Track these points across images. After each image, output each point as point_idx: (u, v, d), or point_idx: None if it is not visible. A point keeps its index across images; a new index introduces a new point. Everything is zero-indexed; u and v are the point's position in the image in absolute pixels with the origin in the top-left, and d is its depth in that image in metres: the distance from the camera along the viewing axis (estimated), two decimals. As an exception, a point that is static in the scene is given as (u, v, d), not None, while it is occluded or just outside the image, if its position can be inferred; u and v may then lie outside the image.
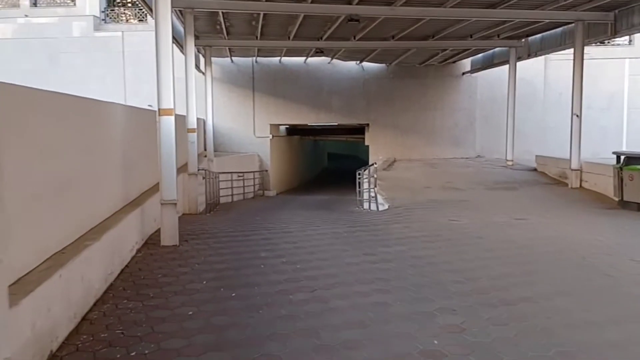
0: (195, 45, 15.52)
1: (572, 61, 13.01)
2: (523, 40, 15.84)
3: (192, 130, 11.29)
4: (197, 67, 17.99)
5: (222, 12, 12.56)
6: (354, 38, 15.60)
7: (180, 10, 11.61)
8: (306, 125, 23.03)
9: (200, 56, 17.79)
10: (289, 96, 20.76)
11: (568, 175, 12.82)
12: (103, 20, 21.05)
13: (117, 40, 20.22)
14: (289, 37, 15.69)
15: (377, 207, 10.72)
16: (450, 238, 7.33)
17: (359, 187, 13.61)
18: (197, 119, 16.08)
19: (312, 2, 11.34)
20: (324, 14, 11.98)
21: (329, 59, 20.13)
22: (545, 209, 10.13)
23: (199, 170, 11.73)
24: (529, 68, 19.67)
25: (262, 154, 20.91)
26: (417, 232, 7.80)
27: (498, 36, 15.44)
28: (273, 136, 21.30)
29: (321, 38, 15.70)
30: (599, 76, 20.39)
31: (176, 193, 6.90)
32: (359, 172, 13.70)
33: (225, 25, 14.11)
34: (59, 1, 21.39)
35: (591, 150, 16.23)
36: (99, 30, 20.46)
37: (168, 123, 6.65)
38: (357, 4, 11.44)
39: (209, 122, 16.60)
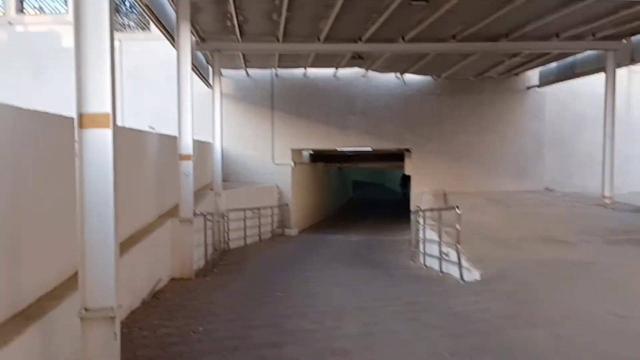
0: (200, 50, 12.25)
1: None
2: (624, 40, 12.15)
3: (187, 157, 7.76)
4: (204, 78, 14.60)
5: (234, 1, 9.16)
6: (403, 39, 12.09)
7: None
8: (334, 150, 19.49)
9: (209, 67, 14.44)
10: (315, 116, 17.28)
11: None
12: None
13: (115, 51, 16.98)
14: (318, 39, 12.23)
15: (462, 275, 7.04)
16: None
17: (417, 234, 9.98)
18: (200, 142, 12.64)
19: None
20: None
21: (363, 71, 16.68)
22: None
23: (196, 214, 8.17)
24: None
25: (282, 184, 17.38)
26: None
27: (593, 35, 11.78)
28: (295, 163, 17.78)
29: (360, 39, 12.21)
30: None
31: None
32: (416, 210, 10.08)
33: (237, 21, 10.69)
34: (47, 9, 18.41)
35: None
36: (94, 40, 17.25)
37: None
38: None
39: (217, 146, 13.11)
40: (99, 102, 3.14)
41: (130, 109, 16.96)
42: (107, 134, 3.09)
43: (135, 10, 17.33)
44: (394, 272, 9.11)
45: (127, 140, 6.39)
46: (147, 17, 8.34)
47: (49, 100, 16.98)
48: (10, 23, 17.66)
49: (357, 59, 13.14)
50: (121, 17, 17.83)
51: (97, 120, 3.07)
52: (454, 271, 7.56)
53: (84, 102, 3.14)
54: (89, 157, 3.08)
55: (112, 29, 3.28)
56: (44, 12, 18.25)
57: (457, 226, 7.36)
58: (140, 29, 17.64)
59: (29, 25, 17.67)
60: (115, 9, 17.95)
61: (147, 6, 7.67)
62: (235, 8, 9.86)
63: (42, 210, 3.85)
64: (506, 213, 11.95)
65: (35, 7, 18.31)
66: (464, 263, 7.25)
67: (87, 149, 3.08)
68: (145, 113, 16.75)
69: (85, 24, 3.19)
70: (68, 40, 17.31)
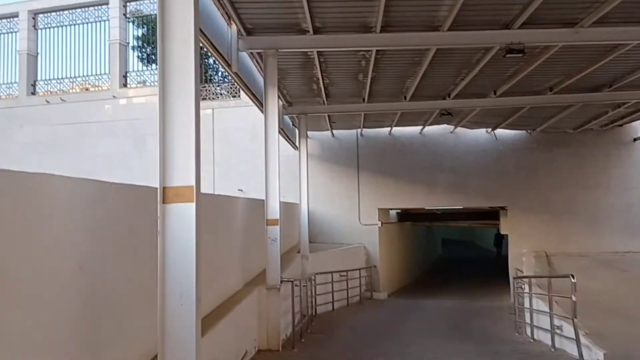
0: (287, 114, 12.39)
1: None
2: None
3: (274, 222, 7.59)
4: (290, 140, 14.76)
5: (319, 61, 9.17)
6: (494, 93, 11.56)
7: (259, 54, 8.37)
8: (422, 209, 18.82)
9: (295, 129, 14.61)
10: (401, 175, 16.85)
11: None
12: (195, 96, 18.89)
13: (207, 118, 17.77)
14: (405, 97, 12.00)
15: (581, 354, 6.14)
16: None
17: (521, 302, 9.06)
18: (287, 203, 12.59)
19: (451, 30, 7.55)
20: (471, 45, 8.08)
21: (451, 127, 16.19)
22: None
23: (282, 280, 7.89)
24: None
25: (369, 245, 16.88)
26: None
27: None
28: (382, 223, 17.29)
29: (448, 95, 11.83)
30: None
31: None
32: (519, 277, 9.20)
33: (323, 84, 10.72)
34: (149, 81, 19.74)
35: None
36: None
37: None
38: (519, 27, 7.52)
39: (304, 208, 12.98)
40: (183, 176, 2.97)
41: (220, 173, 17.49)
42: (191, 208, 2.90)
43: (227, 79, 18.14)
44: (500, 347, 8.20)
45: (213, 207, 6.32)
46: (237, 84, 8.49)
47: (149, 167, 17.99)
48: (114, 97, 19.08)
49: (445, 116, 12.72)
50: (214, 87, 18.73)
51: (181, 194, 2.90)
52: (569, 347, 6.66)
53: (168, 176, 2.97)
54: (171, 233, 2.89)
55: (198, 104, 3.16)
56: (146, 86, 19.54)
57: (573, 297, 6.52)
58: (231, 97, 18.39)
59: (132, 97, 18.95)
60: (208, 79, 18.97)
61: (236, 74, 7.81)
62: (322, 71, 9.88)
63: (123, 289, 3.71)
64: (622, 278, 10.68)
65: (138, 82, 19.68)
66: (583, 340, 6.35)
67: (170, 224, 2.89)
68: (235, 176, 17.18)
69: (170, 97, 3.08)
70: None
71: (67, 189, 2.83)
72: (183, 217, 2.87)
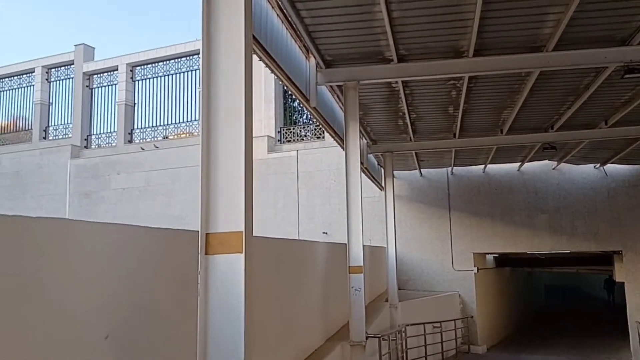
0: (372, 152, 11.76)
1: None
2: None
3: (357, 270, 6.82)
4: (376, 180, 14.04)
5: (405, 93, 8.49)
6: (606, 123, 10.23)
7: (339, 87, 7.84)
8: (524, 253, 17.18)
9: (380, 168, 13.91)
10: (498, 216, 15.50)
11: None
12: (278, 140, 18.94)
13: (291, 160, 17.58)
14: (501, 131, 10.97)
15: None
16: None
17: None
18: (372, 247, 11.77)
19: (556, 49, 6.60)
20: (580, 66, 6.98)
21: (553, 163, 14.74)
22: None
23: (368, 335, 7.04)
24: None
25: (465, 293, 15.51)
26: None
27: None
28: (478, 269, 15.89)
29: (551, 127, 10.66)
30: None
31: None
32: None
33: (409, 118, 9.99)
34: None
35: None
36: (273, 151, 18.20)
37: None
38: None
39: (391, 252, 12.09)
40: (230, 220, 2.36)
41: (305, 216, 17.07)
42: (239, 260, 2.26)
43: (312, 121, 17.95)
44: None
45: (288, 254, 5.70)
46: (317, 121, 8.00)
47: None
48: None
49: (548, 150, 11.46)
50: (298, 129, 18.59)
51: (227, 242, 2.27)
52: None
53: (212, 220, 2.37)
54: (215, 291, 2.26)
55: (250, 134, 2.58)
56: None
57: None
58: (315, 138, 18.15)
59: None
60: (294, 122, 18.88)
61: (315, 109, 7.31)
62: (407, 105, 9.18)
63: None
64: None
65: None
66: None
67: (213, 280, 2.27)
68: (320, 219, 16.70)
69: (216, 126, 2.49)
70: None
71: (89, 235, 2.30)
72: (230, 270, 2.25)
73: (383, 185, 12.62)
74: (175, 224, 18.80)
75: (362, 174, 13.61)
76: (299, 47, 6.93)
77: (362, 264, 6.82)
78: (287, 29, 6.39)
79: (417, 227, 16.04)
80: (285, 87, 6.68)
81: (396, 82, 7.96)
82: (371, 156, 13.51)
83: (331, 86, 7.97)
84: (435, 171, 15.84)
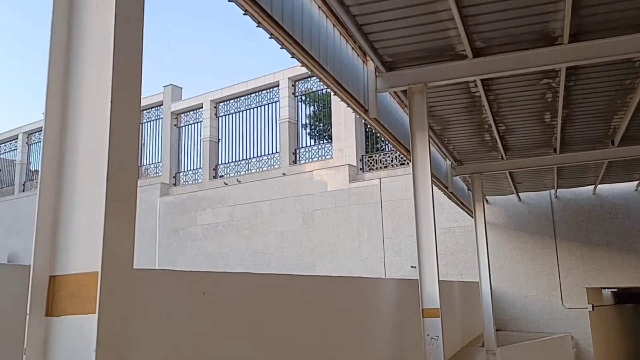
0: (458, 174, 10.40)
1: None
2: None
3: (433, 313, 5.51)
4: (465, 206, 12.52)
5: (488, 99, 7.17)
6: None
7: (404, 92, 6.69)
8: (650, 288, 14.60)
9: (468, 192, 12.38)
10: (614, 245, 13.26)
11: None
12: (360, 169, 17.98)
13: (374, 189, 16.50)
14: (612, 142, 9.18)
15: None
16: None
17: None
18: (464, 283, 10.26)
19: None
20: None
21: (681, 180, 12.42)
22: None
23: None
24: None
25: (579, 334, 13.30)
26: None
27: None
28: (593, 306, 13.62)
29: (677, 134, 8.74)
30: None
31: None
32: None
33: (498, 131, 8.57)
34: (316, 156, 19.40)
35: None
36: (355, 180, 17.24)
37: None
38: None
39: (485, 288, 10.46)
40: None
41: (390, 248, 15.82)
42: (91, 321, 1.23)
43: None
44: None
45: (345, 293, 4.58)
46: (380, 134, 6.88)
47: (315, 243, 17.16)
48: (284, 174, 18.99)
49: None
50: (383, 156, 17.54)
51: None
52: None
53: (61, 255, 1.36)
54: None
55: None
56: (314, 161, 19.18)
57: None
58: (399, 165, 17.01)
59: (300, 174, 18.63)
60: (377, 149, 17.84)
61: (376, 120, 6.23)
62: (493, 114, 7.80)
63: None
64: None
65: (307, 158, 19.46)
66: None
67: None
68: (407, 251, 15.36)
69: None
70: (333, 184, 17.58)
71: None
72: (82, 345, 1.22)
73: (472, 211, 11.09)
74: (257, 259, 18.34)
75: (450, 200, 12.26)
76: (352, 48, 5.94)
77: (438, 305, 5.50)
78: (334, 25, 5.45)
79: (518, 259, 14.16)
80: (340, 98, 5.63)
81: (475, 85, 6.69)
82: (459, 180, 12.09)
83: (396, 93, 6.85)
84: (536, 195, 13.96)
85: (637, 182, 12.63)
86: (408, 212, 15.40)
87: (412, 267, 15.38)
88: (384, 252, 16.05)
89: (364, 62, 6.18)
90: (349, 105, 6.01)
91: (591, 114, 7.93)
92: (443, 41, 5.64)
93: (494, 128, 8.36)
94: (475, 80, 6.58)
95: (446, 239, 14.88)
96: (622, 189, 13.14)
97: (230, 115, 21.60)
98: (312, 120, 22.29)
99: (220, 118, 21.88)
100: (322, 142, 20.15)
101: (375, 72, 6.14)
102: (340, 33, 5.74)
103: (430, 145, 9.79)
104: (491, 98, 7.21)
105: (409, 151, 7.68)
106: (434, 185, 10.82)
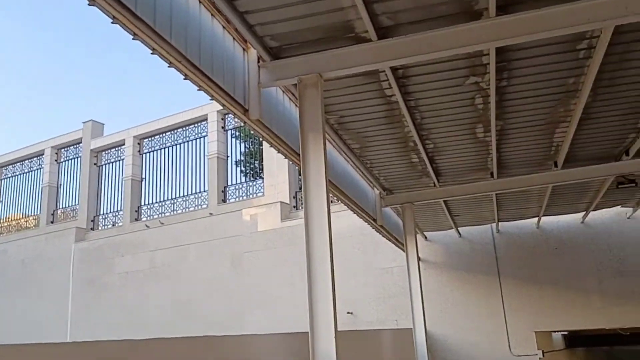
0: (386, 205, 9.06)
1: None
2: None
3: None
4: (397, 241, 11.18)
5: (407, 105, 5.90)
6: None
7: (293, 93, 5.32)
8: (602, 329, 13.51)
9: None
10: (562, 283, 12.14)
11: None
12: (294, 206, 16.55)
13: (309, 229, 14.95)
14: (555, 164, 8.09)
15: None
16: None
17: None
18: (395, 331, 8.76)
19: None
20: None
21: (628, 210, 11.53)
22: None
23: None
24: None
25: (529, 385, 11.96)
26: None
27: None
28: (544, 352, 12.33)
29: (626, 152, 7.72)
30: None
31: None
32: None
33: (426, 150, 7.31)
34: (246, 194, 17.86)
35: None
36: (288, 219, 15.75)
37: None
38: None
39: (419, 336, 8.96)
40: None
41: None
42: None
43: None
44: None
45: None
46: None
47: (244, 288, 15.37)
48: (211, 214, 17.32)
49: (624, 187, 8.40)
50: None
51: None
52: None
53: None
54: None
55: None
56: (244, 199, 17.65)
57: None
58: (338, 201, 15.64)
59: (229, 213, 17.00)
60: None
61: (259, 122, 4.79)
62: (416, 127, 6.51)
63: None
64: None
65: (237, 197, 17.94)
66: None
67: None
68: (342, 296, 13.69)
69: None
70: (263, 223, 16.04)
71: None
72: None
73: (404, 245, 9.67)
74: (181, 310, 16.29)
75: (381, 234, 10.90)
76: (226, 30, 4.56)
77: (335, 367, 3.96)
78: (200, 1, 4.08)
79: (461, 301, 12.82)
80: (210, 96, 4.17)
81: (388, 84, 5.40)
82: (392, 214, 10.78)
83: (287, 89, 5.45)
84: (477, 230, 12.80)
85: (583, 214, 11.67)
86: (345, 252, 13.99)
87: (348, 313, 13.87)
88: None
89: (244, 49, 4.80)
90: (223, 106, 4.56)
91: (529, 127, 6.77)
92: (338, 19, 4.33)
93: (420, 147, 7.09)
94: (388, 80, 5.31)
95: (383, 281, 13.48)
96: (567, 222, 12.16)
97: (155, 152, 19.90)
98: (246, 157, 20.87)
99: (144, 155, 20.12)
100: (254, 179, 18.72)
101: (258, 62, 4.76)
102: (212, 13, 4.38)
103: (355, 169, 8.47)
104: (411, 104, 5.93)
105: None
106: (361, 219, 9.49)
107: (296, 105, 4.91)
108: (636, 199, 10.59)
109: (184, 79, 3.96)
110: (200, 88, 4.15)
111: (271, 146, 5.27)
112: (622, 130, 6.97)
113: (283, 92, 5.61)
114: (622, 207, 11.37)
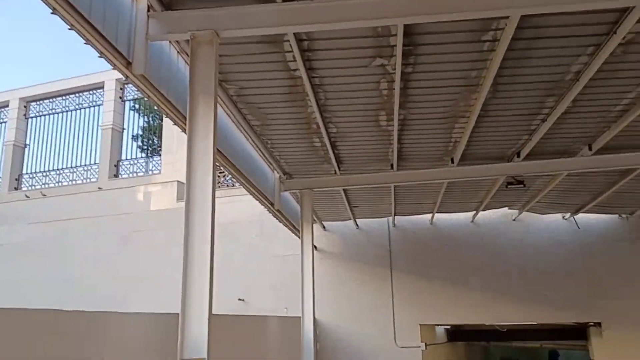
0: (286, 190, 8.76)
1: None
2: None
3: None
4: (293, 227, 10.96)
5: (313, 87, 5.62)
6: (590, 148, 7.64)
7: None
8: (482, 325, 14.19)
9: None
10: (450, 279, 12.54)
11: None
12: (192, 187, 15.70)
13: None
14: (452, 160, 8.21)
15: None
16: None
17: None
18: (284, 319, 8.54)
19: None
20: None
21: (514, 212, 12.13)
22: None
23: None
24: None
25: (410, 376, 12.25)
26: None
27: None
28: (426, 345, 12.70)
29: (518, 154, 7.98)
30: None
31: None
32: None
33: (328, 134, 7.10)
34: (142, 170, 16.83)
35: None
36: (183, 200, 14.88)
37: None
38: None
39: (307, 325, 8.79)
40: None
41: (218, 276, 13.65)
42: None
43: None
44: None
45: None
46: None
47: (133, 271, 14.42)
48: (100, 188, 16.14)
49: (513, 187, 8.72)
50: (219, 173, 15.50)
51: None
52: None
53: None
54: None
55: None
56: (139, 176, 16.61)
57: None
58: (238, 185, 15.08)
59: (118, 188, 15.92)
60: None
61: (142, 77, 4.28)
62: (320, 108, 6.26)
63: None
64: None
65: (131, 173, 16.85)
66: None
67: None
68: (238, 282, 13.27)
69: None
70: (157, 202, 15.20)
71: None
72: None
73: (299, 232, 9.45)
74: (61, 289, 14.98)
75: (277, 219, 10.61)
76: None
77: (204, 355, 3.59)
78: None
79: (356, 293, 12.84)
80: (85, 40, 3.58)
81: (292, 56, 5.07)
82: (292, 200, 10.53)
83: (179, 44, 4.96)
84: (375, 222, 12.90)
85: (473, 213, 12.11)
86: (241, 238, 13.55)
87: (239, 299, 13.46)
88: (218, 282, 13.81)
89: (132, -5, 4.25)
90: (102, 54, 4.00)
91: (430, 119, 6.76)
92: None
93: (323, 130, 6.85)
94: (292, 52, 4.99)
95: (280, 269, 13.19)
96: (459, 220, 12.58)
97: (43, 117, 18.20)
98: (145, 132, 19.72)
99: (30, 120, 18.34)
100: (151, 155, 17.72)
101: (148, 11, 4.23)
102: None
103: (255, 149, 8.09)
104: (315, 82, 5.65)
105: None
106: (258, 201, 9.13)
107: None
108: (522, 202, 11.12)
109: (52, 13, 3.38)
110: (72, 27, 3.58)
111: (157, 108, 4.76)
112: (517, 131, 7.18)
113: (178, 52, 5.10)
114: (508, 209, 11.91)
